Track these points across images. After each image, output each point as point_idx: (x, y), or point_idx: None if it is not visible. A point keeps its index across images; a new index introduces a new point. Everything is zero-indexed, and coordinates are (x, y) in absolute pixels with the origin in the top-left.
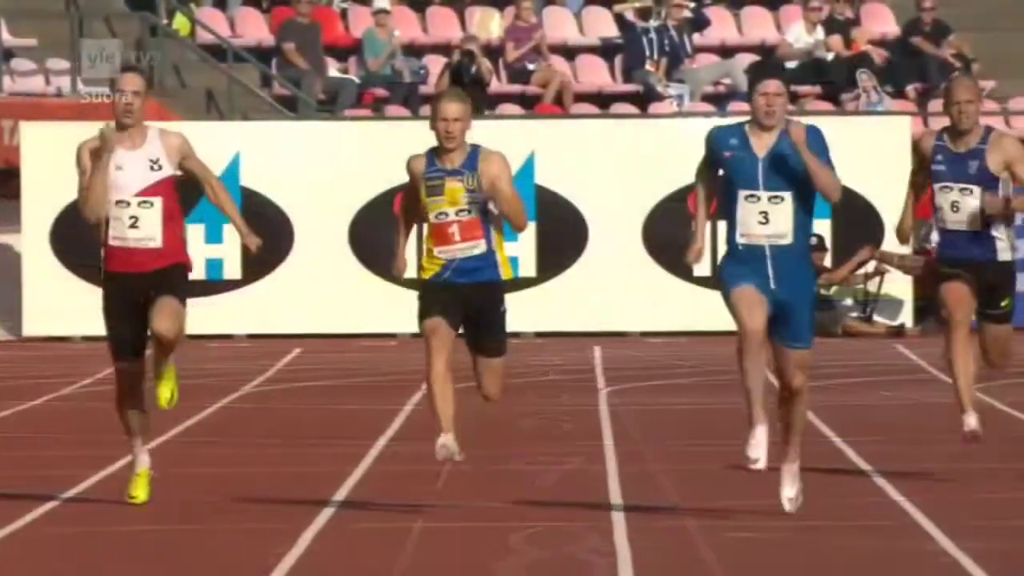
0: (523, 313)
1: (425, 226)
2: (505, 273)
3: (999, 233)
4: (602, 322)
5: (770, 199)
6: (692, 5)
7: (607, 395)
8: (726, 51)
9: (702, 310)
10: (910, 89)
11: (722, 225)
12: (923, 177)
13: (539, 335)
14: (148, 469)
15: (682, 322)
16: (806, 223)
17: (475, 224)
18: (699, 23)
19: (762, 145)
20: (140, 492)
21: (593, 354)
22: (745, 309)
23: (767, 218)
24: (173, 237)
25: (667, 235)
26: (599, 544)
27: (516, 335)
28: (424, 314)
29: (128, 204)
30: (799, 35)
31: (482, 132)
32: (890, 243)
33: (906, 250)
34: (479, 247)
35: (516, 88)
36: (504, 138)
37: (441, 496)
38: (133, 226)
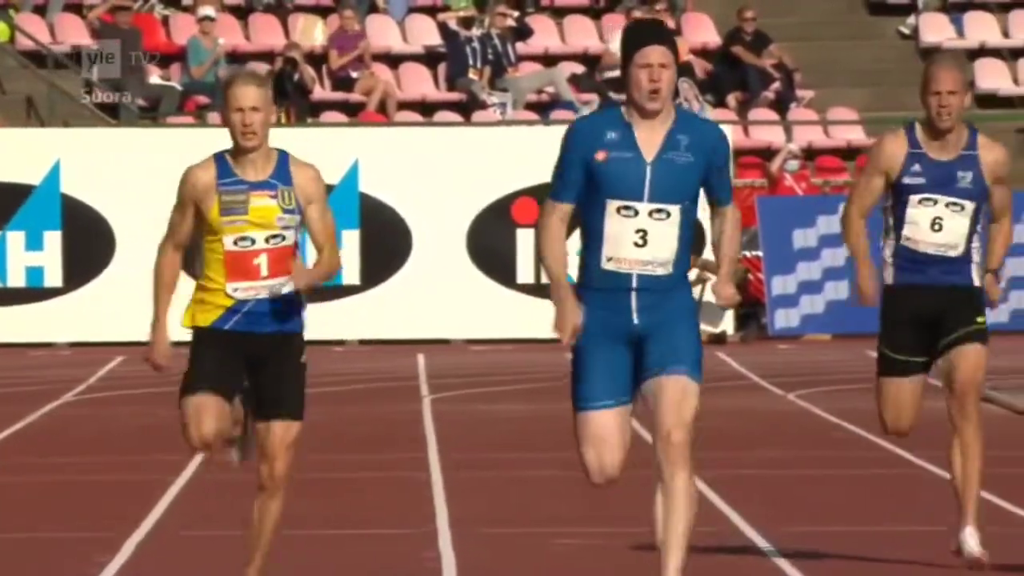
0: (347, 321)
1: (206, 253)
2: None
3: (976, 255)
4: (426, 329)
5: (652, 214)
6: (515, 14)
7: (431, 402)
8: (549, 59)
9: (525, 318)
10: (731, 98)
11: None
12: (880, 185)
13: (363, 343)
14: None
15: (505, 330)
16: (688, 247)
17: (288, 255)
18: (522, 32)
19: (651, 142)
20: None
21: (417, 362)
22: (596, 444)
23: (646, 239)
24: None
25: (490, 243)
26: (424, 552)
27: (341, 343)
28: (189, 386)
29: None
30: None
31: (306, 140)
32: (711, 251)
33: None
34: (288, 285)
35: (339, 96)
36: (328, 146)
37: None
38: None
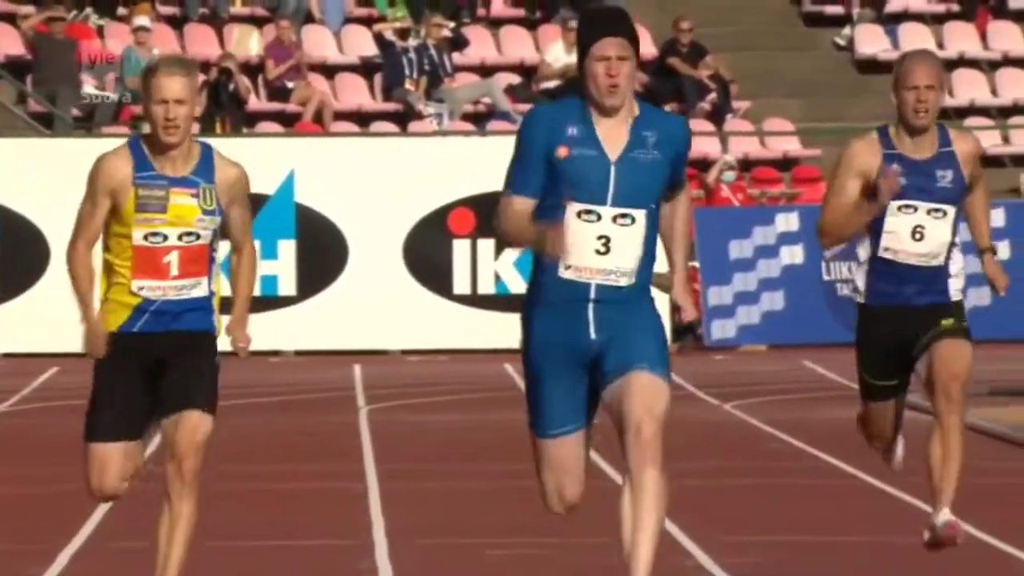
0: (283, 331)
1: (112, 245)
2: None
3: (954, 266)
4: (362, 340)
5: (616, 219)
6: (452, 25)
7: (367, 413)
8: (485, 70)
9: (462, 328)
10: (667, 109)
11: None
12: (856, 189)
13: (299, 353)
14: None
15: (442, 340)
16: (652, 253)
17: (202, 255)
18: (458, 43)
19: (614, 139)
20: None
21: (353, 372)
22: (556, 473)
23: (608, 246)
24: None
25: (427, 253)
26: (360, 563)
27: (276, 353)
28: (92, 428)
29: None
30: (558, 55)
31: (241, 150)
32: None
33: (662, 268)
34: (199, 287)
35: (275, 106)
36: (263, 156)
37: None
38: None
